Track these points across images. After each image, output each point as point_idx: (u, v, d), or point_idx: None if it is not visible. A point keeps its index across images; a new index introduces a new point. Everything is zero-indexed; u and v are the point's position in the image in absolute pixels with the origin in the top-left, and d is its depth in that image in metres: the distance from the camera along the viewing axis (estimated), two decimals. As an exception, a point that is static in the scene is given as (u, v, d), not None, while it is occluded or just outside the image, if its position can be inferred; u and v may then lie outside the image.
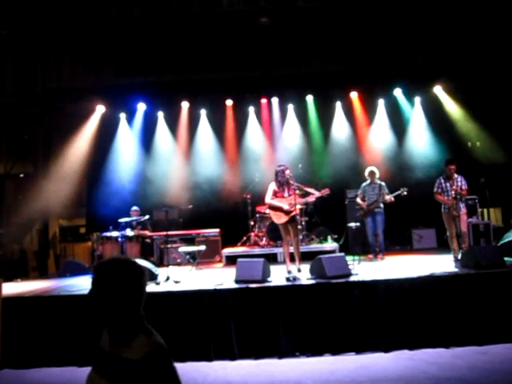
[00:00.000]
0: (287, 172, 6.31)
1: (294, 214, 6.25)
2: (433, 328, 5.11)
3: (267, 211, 6.95)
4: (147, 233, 8.66)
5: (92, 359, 1.76)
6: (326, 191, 6.49)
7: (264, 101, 10.21)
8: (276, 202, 6.33)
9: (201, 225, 9.42)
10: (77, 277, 7.56)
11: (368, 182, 8.04)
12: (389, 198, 7.72)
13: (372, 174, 7.98)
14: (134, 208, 8.71)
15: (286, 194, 6.31)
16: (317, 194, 6.49)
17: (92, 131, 9.82)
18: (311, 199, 6.59)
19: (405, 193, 7.67)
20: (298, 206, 6.46)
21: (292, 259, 6.48)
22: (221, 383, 4.53)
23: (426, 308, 5.19)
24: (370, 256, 7.85)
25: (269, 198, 6.38)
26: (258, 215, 9.00)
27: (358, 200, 8.08)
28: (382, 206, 7.82)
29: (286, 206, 6.23)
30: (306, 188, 6.73)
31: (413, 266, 6.51)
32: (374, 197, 7.88)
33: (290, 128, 10.26)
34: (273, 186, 6.41)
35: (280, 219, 6.30)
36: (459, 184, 6.96)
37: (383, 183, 7.95)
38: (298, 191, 6.45)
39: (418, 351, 5.00)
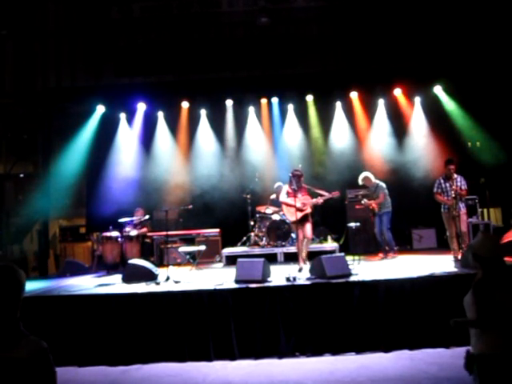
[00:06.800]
0: (302, 179, 6.97)
1: (306, 212, 6.87)
2: (433, 328, 5.11)
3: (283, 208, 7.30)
4: (147, 232, 8.66)
5: None
6: (336, 193, 7.02)
7: (264, 101, 10.20)
8: (290, 201, 6.94)
9: (201, 225, 9.41)
10: (77, 277, 7.57)
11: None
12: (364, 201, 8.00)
13: (366, 179, 8.08)
14: (138, 208, 8.70)
15: (298, 195, 6.87)
16: (326, 195, 6.99)
17: (92, 131, 9.81)
18: (320, 200, 7.01)
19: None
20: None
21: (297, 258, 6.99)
22: (221, 383, 4.53)
23: (426, 308, 5.19)
24: (381, 255, 7.90)
25: (283, 197, 7.09)
26: (258, 215, 8.99)
27: (364, 201, 8.17)
28: (386, 205, 7.88)
29: (298, 204, 6.75)
30: (316, 189, 7.18)
31: (413, 266, 6.51)
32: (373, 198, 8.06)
33: (290, 128, 10.26)
34: (287, 187, 7.10)
35: (293, 216, 6.82)
36: (459, 184, 6.96)
37: (381, 183, 8.02)
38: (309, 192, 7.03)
39: (417, 351, 5.01)
